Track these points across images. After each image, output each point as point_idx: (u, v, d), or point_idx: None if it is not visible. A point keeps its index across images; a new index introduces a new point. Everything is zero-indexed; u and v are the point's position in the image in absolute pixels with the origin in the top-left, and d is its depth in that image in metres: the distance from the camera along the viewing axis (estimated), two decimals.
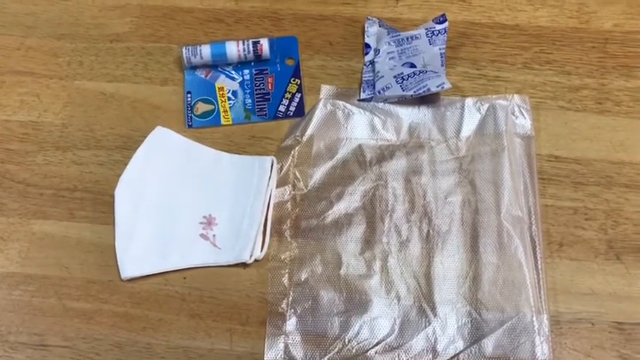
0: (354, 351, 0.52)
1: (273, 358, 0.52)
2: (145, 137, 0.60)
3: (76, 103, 0.63)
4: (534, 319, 0.52)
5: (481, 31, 0.64)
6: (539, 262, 0.54)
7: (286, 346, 0.52)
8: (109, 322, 0.54)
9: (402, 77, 0.60)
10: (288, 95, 0.62)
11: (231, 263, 0.55)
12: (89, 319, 0.54)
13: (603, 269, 0.54)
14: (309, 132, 0.60)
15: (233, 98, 0.63)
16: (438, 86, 0.58)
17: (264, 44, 0.63)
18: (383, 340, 0.52)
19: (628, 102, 0.60)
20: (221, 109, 0.62)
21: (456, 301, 0.53)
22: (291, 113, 0.62)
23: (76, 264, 0.56)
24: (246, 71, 0.64)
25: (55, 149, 0.61)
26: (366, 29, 0.64)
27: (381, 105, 0.61)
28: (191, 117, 0.62)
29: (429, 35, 0.62)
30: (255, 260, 0.55)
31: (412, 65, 0.61)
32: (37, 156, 0.61)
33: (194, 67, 0.64)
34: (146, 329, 0.54)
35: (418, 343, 0.52)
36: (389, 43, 0.63)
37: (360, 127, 0.60)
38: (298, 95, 0.62)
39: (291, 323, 0.53)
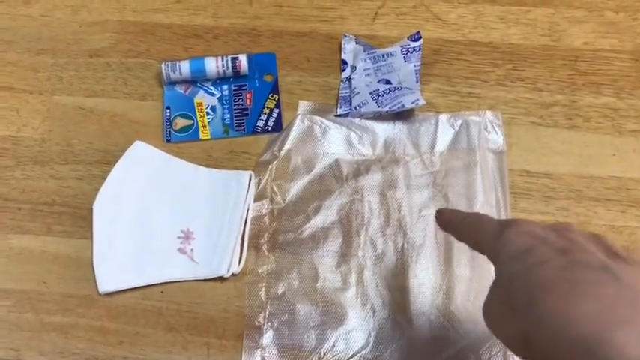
0: None
1: None
2: (124, 152, 0.61)
3: (55, 118, 0.64)
4: None
5: (455, 48, 0.66)
6: None
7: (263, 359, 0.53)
8: (86, 336, 0.55)
9: (378, 93, 0.61)
10: (266, 110, 0.63)
11: (208, 277, 0.56)
12: (66, 334, 0.55)
13: None
14: (286, 147, 0.61)
15: (212, 113, 0.63)
16: (412, 102, 0.59)
17: (243, 60, 0.64)
18: (358, 353, 0.53)
19: (597, 118, 0.62)
20: (200, 124, 0.63)
21: (429, 314, 0.54)
22: (269, 128, 0.63)
23: (53, 278, 0.57)
24: (225, 87, 0.65)
25: (33, 164, 0.61)
26: (342, 46, 0.66)
27: (357, 121, 0.62)
28: (170, 132, 0.62)
29: (404, 52, 0.64)
30: (233, 274, 0.56)
31: (388, 82, 0.63)
32: (15, 171, 0.61)
33: (173, 83, 0.64)
34: (123, 343, 0.54)
35: (392, 355, 0.53)
36: (365, 60, 0.64)
37: (337, 143, 0.61)
38: (276, 111, 0.63)
39: (267, 336, 0.54)
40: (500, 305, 0.36)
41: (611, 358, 0.28)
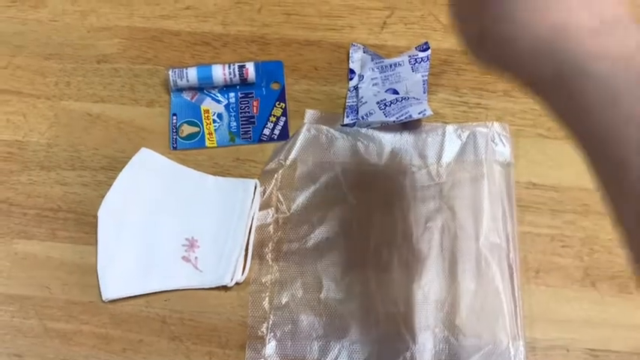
0: None
1: None
2: (130, 158, 0.61)
3: (62, 124, 0.64)
4: (510, 345, 0.52)
5: (463, 58, 0.66)
6: (515, 289, 0.55)
7: None
8: (90, 343, 0.54)
9: (385, 103, 0.61)
10: (272, 119, 0.63)
11: (212, 286, 0.56)
12: (69, 340, 0.55)
13: (579, 296, 0.55)
14: (292, 156, 0.61)
15: (218, 121, 0.63)
16: (419, 113, 0.59)
17: (250, 68, 0.64)
18: None
19: None
20: (206, 132, 0.63)
21: (434, 327, 0.54)
22: (276, 137, 0.63)
23: (58, 284, 0.57)
24: (232, 94, 0.65)
25: (39, 169, 0.61)
26: (350, 55, 0.65)
27: (363, 130, 0.62)
28: (176, 139, 0.62)
29: (412, 62, 0.63)
30: (237, 283, 0.55)
31: (395, 92, 0.63)
32: (21, 175, 0.61)
33: (180, 90, 0.64)
34: (126, 351, 0.54)
35: None
36: (373, 70, 0.64)
37: (343, 152, 0.61)
38: (283, 119, 0.63)
39: (270, 347, 0.53)
40: (464, 3, 0.35)
41: (569, 60, 0.28)
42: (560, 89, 0.29)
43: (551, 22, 0.29)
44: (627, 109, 0.27)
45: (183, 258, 0.57)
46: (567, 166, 0.60)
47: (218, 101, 0.64)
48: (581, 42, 0.28)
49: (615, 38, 0.28)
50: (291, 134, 0.62)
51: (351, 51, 0.65)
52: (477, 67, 0.36)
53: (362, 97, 0.63)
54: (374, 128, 0.62)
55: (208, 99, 0.64)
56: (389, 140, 0.61)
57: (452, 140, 0.61)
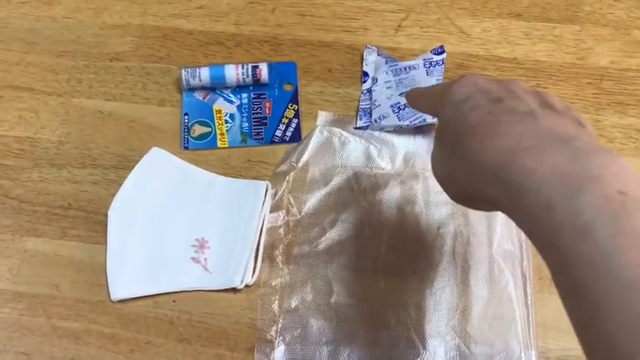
0: None
1: None
2: (141, 157, 0.60)
3: (74, 121, 0.63)
4: (523, 354, 0.52)
5: (479, 63, 0.65)
6: (529, 297, 0.54)
7: None
8: (97, 343, 0.54)
9: (399, 107, 0.61)
10: (285, 120, 0.63)
11: (221, 288, 0.55)
12: (77, 340, 0.54)
13: None
14: (304, 158, 0.60)
15: (230, 121, 0.63)
16: (433, 117, 0.58)
17: (263, 69, 0.63)
18: None
19: (621, 139, 0.61)
20: (218, 132, 0.62)
21: (445, 334, 0.53)
22: (288, 138, 0.62)
23: (66, 283, 0.56)
24: (245, 95, 0.64)
25: (50, 166, 0.61)
26: (364, 57, 0.65)
27: (376, 133, 0.61)
28: (187, 139, 0.62)
29: (427, 66, 0.63)
30: (246, 285, 0.55)
31: None
32: (32, 172, 0.61)
33: (192, 89, 0.64)
34: (134, 352, 0.54)
35: None
36: (387, 73, 0.63)
37: (356, 155, 0.60)
38: (295, 121, 0.63)
39: (279, 351, 0.53)
40: (437, 151, 0.40)
41: (510, 178, 0.31)
42: (514, 205, 0.32)
43: (500, 150, 0.32)
44: (559, 218, 0.29)
45: (193, 259, 0.56)
46: None
47: (230, 101, 0.64)
48: (520, 160, 0.31)
49: (550, 153, 0.31)
50: (303, 136, 0.62)
51: (365, 53, 0.65)
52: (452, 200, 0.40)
53: (375, 100, 0.62)
54: (387, 132, 0.61)
55: (221, 99, 0.64)
56: (402, 144, 0.61)
57: None
